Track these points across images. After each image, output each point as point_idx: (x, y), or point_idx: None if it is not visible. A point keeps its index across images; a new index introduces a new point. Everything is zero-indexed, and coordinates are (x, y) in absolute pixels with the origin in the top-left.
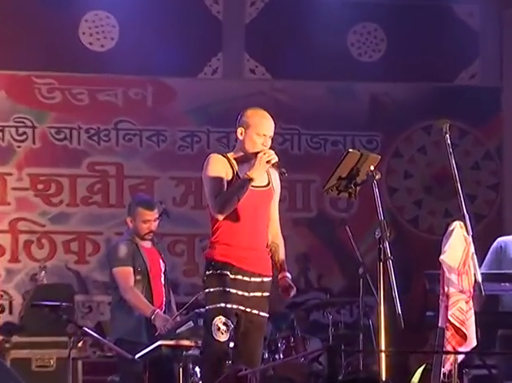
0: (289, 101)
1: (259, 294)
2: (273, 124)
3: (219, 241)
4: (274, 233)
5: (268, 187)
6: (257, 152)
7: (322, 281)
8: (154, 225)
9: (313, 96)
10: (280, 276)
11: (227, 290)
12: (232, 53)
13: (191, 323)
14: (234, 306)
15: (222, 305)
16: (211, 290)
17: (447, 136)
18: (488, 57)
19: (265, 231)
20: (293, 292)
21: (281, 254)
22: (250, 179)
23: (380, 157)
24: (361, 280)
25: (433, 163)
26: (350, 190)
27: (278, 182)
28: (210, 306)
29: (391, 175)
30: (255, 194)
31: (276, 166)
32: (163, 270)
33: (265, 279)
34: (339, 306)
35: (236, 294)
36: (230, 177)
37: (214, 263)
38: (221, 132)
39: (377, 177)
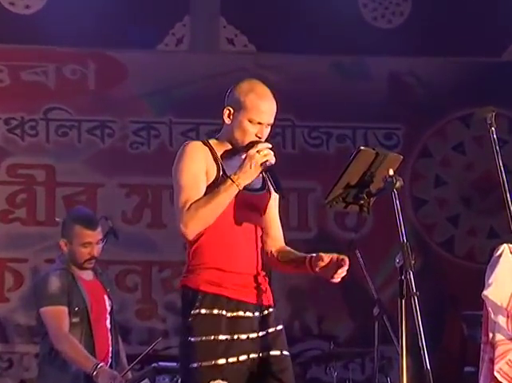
0: (280, 82)
1: (272, 329)
2: (275, 108)
3: (205, 264)
4: (279, 239)
5: (262, 192)
6: (249, 147)
7: (324, 325)
8: (97, 249)
9: (312, 75)
10: (315, 257)
11: (225, 338)
12: (203, 16)
13: (146, 381)
14: (242, 358)
15: (222, 361)
16: (202, 338)
17: (493, 129)
18: None
19: (261, 250)
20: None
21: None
22: (234, 184)
23: (401, 157)
24: (376, 324)
25: (474, 165)
26: (362, 202)
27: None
28: (201, 364)
29: (417, 183)
30: (246, 199)
31: (265, 169)
32: (108, 309)
33: (271, 309)
34: (347, 358)
35: (239, 339)
36: (212, 175)
37: (200, 297)
38: (187, 124)
39: (398, 185)
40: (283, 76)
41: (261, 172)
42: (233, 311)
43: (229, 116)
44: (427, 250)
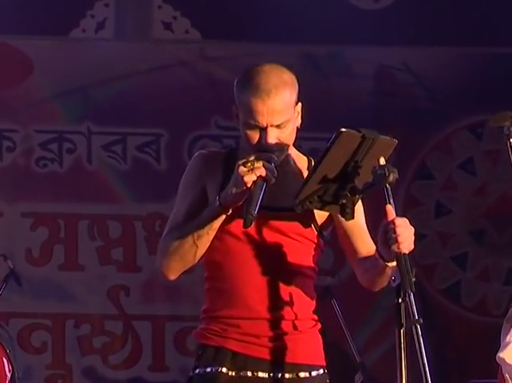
0: (232, 80)
1: None
2: (279, 102)
3: (211, 311)
4: (363, 250)
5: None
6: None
7: None
8: None
9: None
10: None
11: None
12: None
13: None
14: None
15: None
16: None
17: (511, 141)
18: None
19: (299, 287)
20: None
21: None
22: (221, 206)
23: (396, 142)
24: None
25: (486, 188)
26: (344, 201)
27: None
28: None
29: (412, 211)
30: (270, 220)
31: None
32: (8, 377)
33: (303, 374)
34: None
35: None
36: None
37: (200, 352)
38: (111, 134)
39: (392, 178)
40: (236, 71)
41: (253, 191)
42: (238, 370)
43: (236, 116)
44: (426, 299)
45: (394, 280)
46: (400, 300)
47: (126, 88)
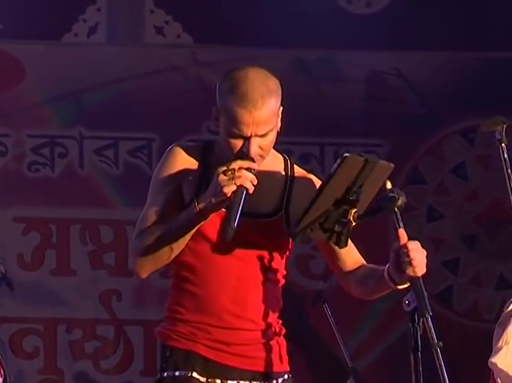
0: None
1: None
2: (266, 113)
3: (178, 311)
4: (353, 261)
5: (274, 218)
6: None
7: None
8: None
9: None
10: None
11: None
12: None
13: None
14: None
15: None
16: None
17: (503, 145)
18: None
19: (272, 293)
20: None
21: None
22: (198, 212)
23: (392, 166)
24: None
25: (478, 193)
26: (339, 228)
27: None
28: None
29: (404, 216)
30: (246, 227)
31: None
32: (0, 381)
33: (280, 379)
34: None
35: None
36: (193, 189)
37: (167, 354)
38: (103, 139)
39: (401, 201)
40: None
41: (232, 200)
42: (209, 376)
43: (216, 119)
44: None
45: (408, 304)
46: (416, 325)
47: (118, 92)
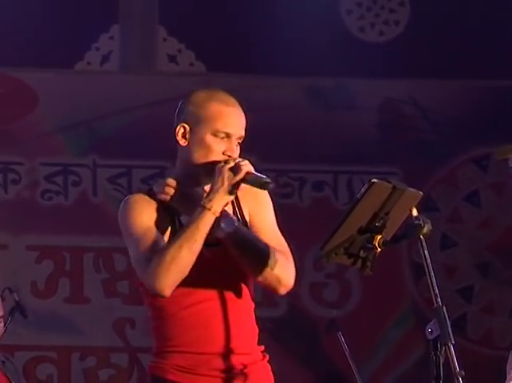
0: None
1: None
2: (244, 118)
3: (174, 346)
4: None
5: (220, 247)
6: (215, 163)
7: None
8: None
9: (280, 103)
10: None
11: None
12: (136, 26)
13: None
14: None
15: None
16: None
17: None
18: None
19: (251, 318)
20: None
21: None
22: (209, 210)
23: (421, 194)
24: None
25: (492, 221)
26: (365, 254)
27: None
28: None
29: (417, 244)
30: (204, 259)
31: (257, 182)
32: None
33: None
34: None
35: None
36: (168, 231)
37: None
38: (116, 167)
39: (426, 229)
40: (243, 104)
41: (235, 189)
42: None
43: (184, 136)
44: None
45: (431, 332)
46: (439, 353)
47: (131, 120)
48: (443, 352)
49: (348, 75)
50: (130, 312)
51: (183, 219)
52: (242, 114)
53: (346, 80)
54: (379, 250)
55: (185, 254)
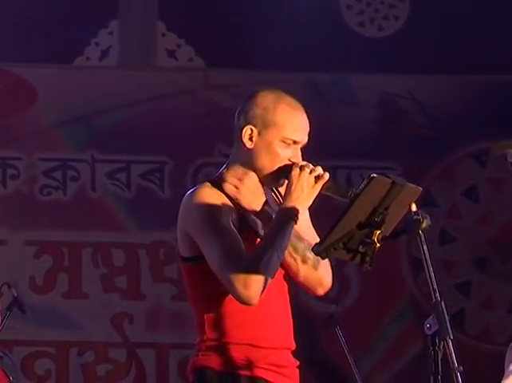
0: (236, 108)
1: None
2: (308, 121)
3: (233, 338)
4: None
5: None
6: (284, 168)
7: None
8: None
9: None
10: None
11: None
12: (135, 21)
13: None
14: None
15: None
16: None
17: None
18: None
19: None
20: None
21: None
22: (294, 216)
23: (420, 190)
24: None
25: (490, 216)
26: (364, 249)
27: None
28: None
29: (416, 239)
30: None
31: (338, 191)
32: None
33: None
34: None
35: None
36: (235, 226)
37: (231, 381)
38: (115, 162)
39: (425, 224)
40: (240, 99)
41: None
42: None
43: (250, 138)
44: None
45: (429, 327)
46: (437, 348)
47: (130, 115)
48: (441, 347)
49: (347, 70)
50: (128, 307)
51: (249, 219)
52: (307, 119)
53: (345, 76)
54: (378, 245)
55: (275, 265)
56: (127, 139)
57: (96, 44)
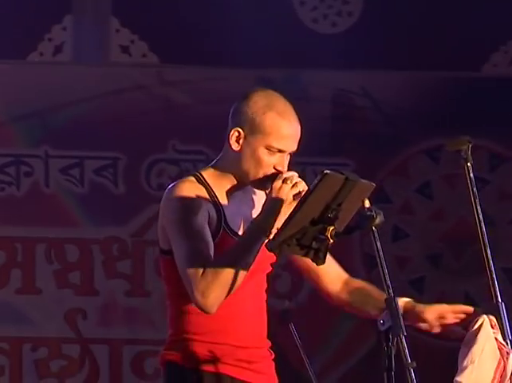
0: (191, 104)
1: None
2: (300, 130)
3: (198, 334)
4: (337, 272)
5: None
6: (270, 177)
7: None
8: None
9: (232, 94)
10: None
11: None
12: (89, 17)
13: None
14: None
15: None
16: None
17: (469, 165)
18: None
19: (265, 314)
20: None
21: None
22: (264, 232)
23: (374, 186)
24: None
25: (444, 212)
26: (317, 245)
27: None
28: None
29: (369, 235)
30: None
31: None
32: None
33: None
34: None
35: None
36: (212, 225)
37: (195, 377)
38: (69, 157)
39: (378, 220)
40: (194, 96)
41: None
42: None
43: (237, 141)
44: None
45: (383, 323)
46: (390, 344)
47: (84, 111)
48: (394, 343)
49: (301, 66)
50: (82, 303)
51: (229, 219)
52: (298, 127)
53: (298, 72)
54: (331, 241)
55: (239, 278)
56: (80, 134)
57: (50, 39)
